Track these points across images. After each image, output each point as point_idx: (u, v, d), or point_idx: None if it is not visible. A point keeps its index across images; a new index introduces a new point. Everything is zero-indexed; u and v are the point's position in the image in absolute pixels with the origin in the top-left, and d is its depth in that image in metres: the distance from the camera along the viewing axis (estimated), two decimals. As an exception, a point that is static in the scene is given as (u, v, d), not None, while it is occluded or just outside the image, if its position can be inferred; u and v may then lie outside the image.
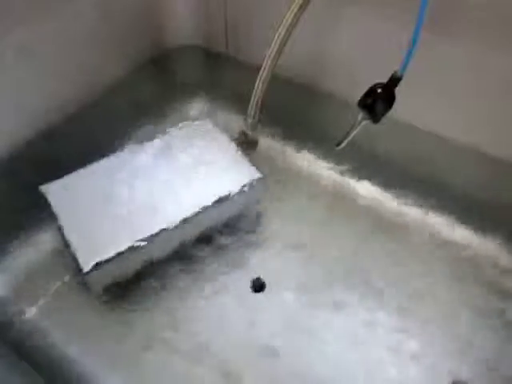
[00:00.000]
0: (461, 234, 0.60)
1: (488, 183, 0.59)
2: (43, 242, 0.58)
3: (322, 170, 0.68)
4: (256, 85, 0.58)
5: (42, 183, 0.53)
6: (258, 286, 0.56)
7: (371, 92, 0.49)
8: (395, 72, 0.46)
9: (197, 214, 0.53)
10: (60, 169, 0.54)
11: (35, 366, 0.48)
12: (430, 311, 0.54)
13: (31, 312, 0.53)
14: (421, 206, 0.63)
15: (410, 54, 0.44)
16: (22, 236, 0.58)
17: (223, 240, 0.59)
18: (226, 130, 0.62)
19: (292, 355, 0.51)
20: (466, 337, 0.52)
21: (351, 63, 0.60)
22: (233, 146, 0.60)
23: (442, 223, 0.61)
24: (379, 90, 0.48)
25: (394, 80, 0.47)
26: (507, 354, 0.50)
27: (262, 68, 0.56)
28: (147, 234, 0.51)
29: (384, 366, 0.50)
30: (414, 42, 0.43)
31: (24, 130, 0.57)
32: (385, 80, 0.48)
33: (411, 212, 0.63)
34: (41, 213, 0.53)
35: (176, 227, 0.52)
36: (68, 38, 0.58)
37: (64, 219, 0.51)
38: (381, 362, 0.50)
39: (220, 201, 0.54)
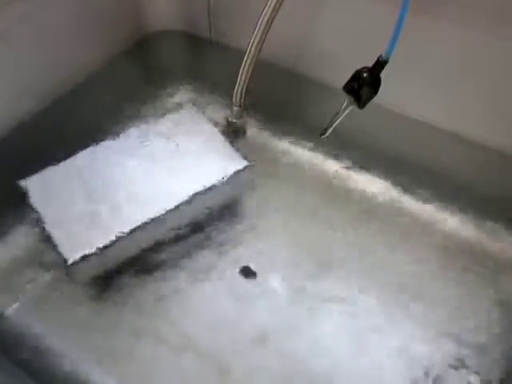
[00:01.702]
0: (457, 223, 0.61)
1: (470, 169, 0.60)
2: (25, 236, 0.56)
3: (309, 156, 0.67)
4: (240, 71, 0.57)
5: (21, 177, 0.52)
6: (247, 275, 0.56)
7: (357, 76, 0.48)
8: (381, 56, 0.45)
9: (183, 203, 0.52)
10: (40, 162, 0.53)
11: (20, 362, 0.47)
12: (423, 299, 0.54)
13: (15, 307, 0.52)
14: (415, 193, 0.63)
15: (395, 37, 0.43)
16: (3, 231, 0.57)
17: (210, 229, 0.58)
18: (211, 117, 0.61)
19: (281, 344, 0.51)
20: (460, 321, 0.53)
21: (336, 47, 0.60)
22: (218, 133, 0.59)
23: (436, 212, 0.61)
24: (365, 75, 0.47)
25: (380, 64, 0.46)
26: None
27: (246, 53, 0.55)
28: (132, 225, 0.50)
29: (374, 353, 0.50)
30: (398, 25, 0.42)
31: (0, 123, 0.56)
32: (371, 64, 0.47)
33: (403, 199, 0.63)
34: (21, 207, 0.52)
35: (161, 217, 0.51)
36: (45, 24, 0.57)
37: (45, 213, 0.50)
38: (371, 350, 0.51)
39: (206, 189, 0.54)
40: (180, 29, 0.72)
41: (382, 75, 0.47)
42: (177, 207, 0.52)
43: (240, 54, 0.56)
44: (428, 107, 0.58)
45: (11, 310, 0.52)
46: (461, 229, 0.60)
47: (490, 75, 0.52)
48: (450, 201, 0.61)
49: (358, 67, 0.48)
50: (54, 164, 0.54)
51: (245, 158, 0.56)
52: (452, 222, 0.60)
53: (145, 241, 0.53)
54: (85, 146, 0.56)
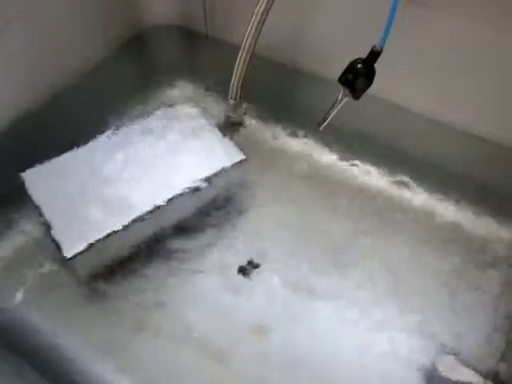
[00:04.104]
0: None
1: (467, 160, 0.60)
2: (25, 229, 0.57)
3: (306, 148, 0.67)
4: (236, 65, 0.57)
5: (21, 170, 0.52)
6: (246, 268, 0.56)
7: (351, 68, 0.48)
8: (374, 46, 0.46)
9: (180, 196, 0.53)
10: (39, 155, 0.53)
11: (22, 355, 0.47)
12: (423, 291, 0.54)
13: (16, 300, 0.52)
14: (412, 184, 0.63)
15: (388, 27, 0.44)
16: (3, 223, 0.57)
17: (208, 222, 0.59)
18: (207, 111, 0.61)
19: (280, 335, 0.51)
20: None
21: (331, 39, 0.60)
22: (215, 127, 0.59)
23: (432, 202, 0.62)
24: (359, 66, 0.48)
25: (374, 54, 0.46)
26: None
27: (242, 48, 0.56)
28: (130, 218, 0.50)
29: (373, 342, 0.51)
30: (391, 15, 0.43)
31: (0, 118, 0.56)
32: (365, 55, 0.48)
33: (399, 190, 0.63)
34: (22, 200, 0.52)
35: (160, 210, 0.52)
36: (41, 19, 0.57)
37: (44, 206, 0.50)
38: (369, 339, 0.51)
39: (204, 182, 0.54)
40: (176, 24, 0.72)
41: (377, 66, 0.47)
42: (174, 200, 0.52)
43: (236, 49, 0.56)
44: (423, 98, 0.59)
45: (11, 302, 0.52)
46: (457, 218, 0.60)
47: (485, 65, 0.52)
48: (446, 191, 0.62)
49: (353, 58, 0.49)
50: (53, 157, 0.54)
51: (242, 150, 0.57)
52: (448, 212, 0.61)
53: (143, 234, 0.54)
54: (83, 141, 0.56)
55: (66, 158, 0.55)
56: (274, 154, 0.67)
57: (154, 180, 0.53)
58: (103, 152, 0.56)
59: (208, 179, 0.54)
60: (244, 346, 0.50)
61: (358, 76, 0.48)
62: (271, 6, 0.52)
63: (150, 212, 0.51)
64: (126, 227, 0.50)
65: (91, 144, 0.56)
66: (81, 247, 0.47)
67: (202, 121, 0.60)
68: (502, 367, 0.48)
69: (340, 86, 0.50)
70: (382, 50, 0.46)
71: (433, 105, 0.58)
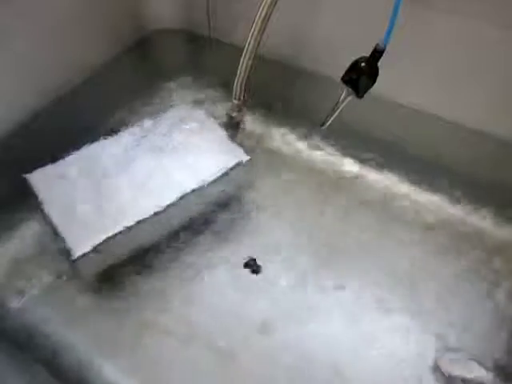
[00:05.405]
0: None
1: (469, 157, 0.60)
2: (31, 230, 0.57)
3: (309, 147, 0.68)
4: (239, 66, 0.58)
5: (27, 171, 0.53)
6: (250, 266, 0.56)
7: (355, 66, 0.49)
8: (378, 44, 0.46)
9: (185, 197, 0.53)
10: (45, 156, 0.54)
11: (31, 354, 0.48)
12: (423, 287, 0.54)
13: (22, 301, 0.53)
14: (412, 182, 0.63)
15: (391, 25, 0.44)
16: (9, 225, 0.57)
17: (212, 221, 0.59)
18: (211, 111, 0.62)
19: (285, 332, 0.51)
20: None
21: (334, 38, 0.60)
22: (219, 128, 0.59)
23: (433, 200, 0.62)
24: (363, 64, 0.48)
25: (377, 53, 0.46)
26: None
27: (245, 48, 0.56)
28: (136, 218, 0.50)
29: (377, 339, 0.51)
30: (394, 14, 0.43)
31: (5, 120, 0.57)
32: (369, 54, 0.48)
33: (397, 188, 0.63)
34: (28, 202, 0.52)
35: (165, 210, 0.52)
36: (46, 23, 0.57)
37: (51, 207, 0.50)
38: (373, 337, 0.51)
39: (208, 183, 0.54)
40: (179, 27, 0.73)
41: (380, 64, 0.48)
42: (179, 201, 0.52)
43: (239, 51, 0.56)
44: (426, 96, 0.59)
45: (18, 303, 0.52)
46: (462, 217, 0.60)
47: (488, 62, 0.52)
48: (450, 189, 0.62)
49: (356, 57, 0.49)
50: (59, 158, 0.54)
51: (245, 151, 0.57)
52: (453, 210, 0.61)
53: (148, 234, 0.54)
54: (87, 143, 0.57)
55: (73, 159, 0.55)
56: (277, 153, 0.67)
57: (159, 181, 0.54)
58: (108, 153, 0.56)
59: (212, 179, 0.54)
60: (250, 344, 0.50)
61: (362, 75, 0.48)
62: (274, 6, 0.52)
63: (155, 213, 0.51)
64: (131, 228, 0.50)
65: (97, 145, 0.57)
66: (87, 248, 0.48)
67: (206, 122, 0.60)
68: (509, 361, 0.48)
69: (343, 85, 0.50)
70: (385, 48, 0.46)
71: (436, 103, 0.58)
